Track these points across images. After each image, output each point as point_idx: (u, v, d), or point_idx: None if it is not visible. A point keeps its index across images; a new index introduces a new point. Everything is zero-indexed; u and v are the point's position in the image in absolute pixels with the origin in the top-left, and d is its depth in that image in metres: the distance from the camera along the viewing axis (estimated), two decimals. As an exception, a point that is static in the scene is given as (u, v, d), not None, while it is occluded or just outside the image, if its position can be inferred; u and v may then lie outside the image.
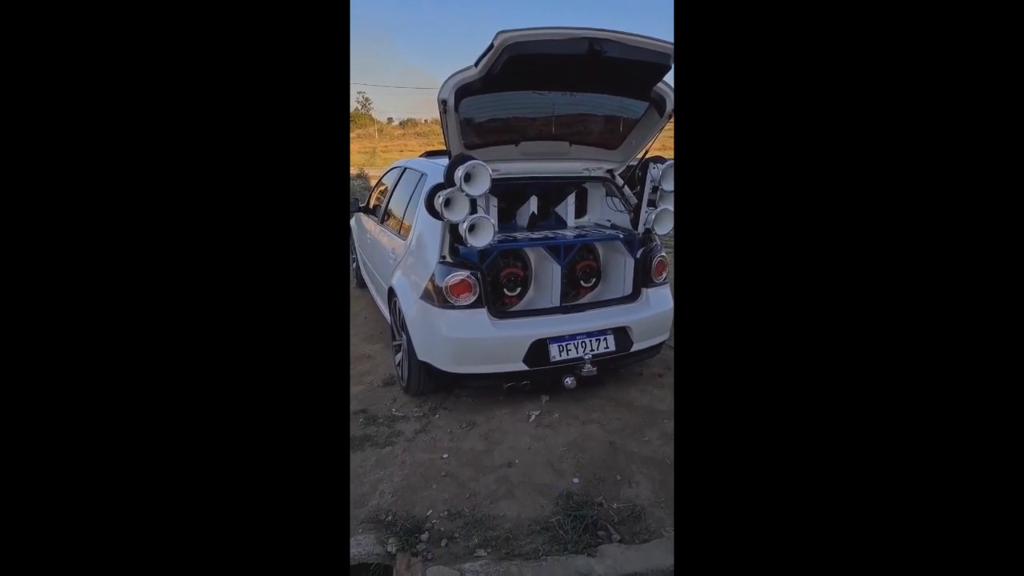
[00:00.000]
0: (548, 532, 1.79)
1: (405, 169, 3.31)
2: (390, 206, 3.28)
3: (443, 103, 2.09)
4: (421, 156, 3.53)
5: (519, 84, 2.21)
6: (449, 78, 2.07)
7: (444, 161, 2.82)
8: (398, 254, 2.79)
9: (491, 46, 1.94)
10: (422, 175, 2.86)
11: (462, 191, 2.13)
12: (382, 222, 3.36)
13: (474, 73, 2.05)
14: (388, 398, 2.75)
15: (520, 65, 2.00)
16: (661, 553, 1.66)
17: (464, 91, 2.10)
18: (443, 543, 1.79)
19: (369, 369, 3.09)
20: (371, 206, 3.90)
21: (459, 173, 2.09)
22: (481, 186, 2.13)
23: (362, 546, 1.78)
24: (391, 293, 2.80)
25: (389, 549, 1.78)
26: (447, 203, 2.17)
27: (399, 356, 2.83)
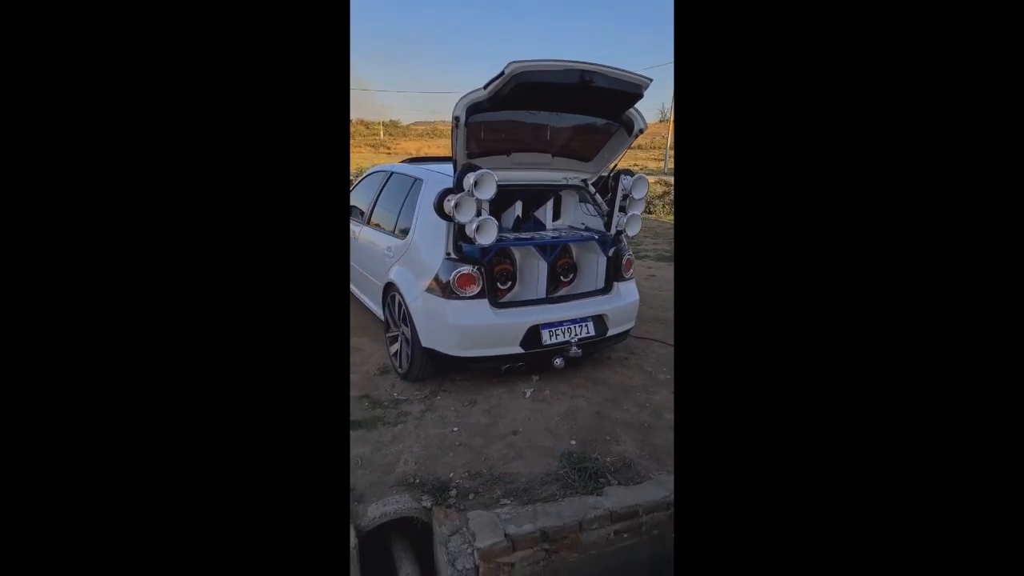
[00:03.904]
0: (559, 482, 2.14)
1: (391, 174, 3.55)
2: (378, 208, 3.50)
3: (456, 119, 2.40)
4: (403, 162, 3.78)
5: (519, 105, 2.55)
6: (462, 98, 2.38)
7: (439, 167, 3.12)
8: (395, 252, 3.03)
9: (502, 73, 2.28)
10: (415, 180, 3.13)
11: (471, 195, 2.44)
12: (368, 223, 3.56)
13: (483, 95, 2.37)
14: (387, 384, 2.98)
15: (523, 90, 2.35)
16: (652, 490, 2.06)
17: (473, 109, 2.42)
18: (470, 496, 2.09)
19: (361, 360, 3.29)
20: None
21: (470, 180, 2.40)
22: (488, 191, 2.45)
23: (401, 503, 2.04)
24: (388, 288, 3.04)
25: (425, 504, 2.06)
26: (456, 206, 2.47)
27: (395, 346, 3.07)
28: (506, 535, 1.80)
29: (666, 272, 5.76)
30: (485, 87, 2.35)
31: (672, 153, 23.65)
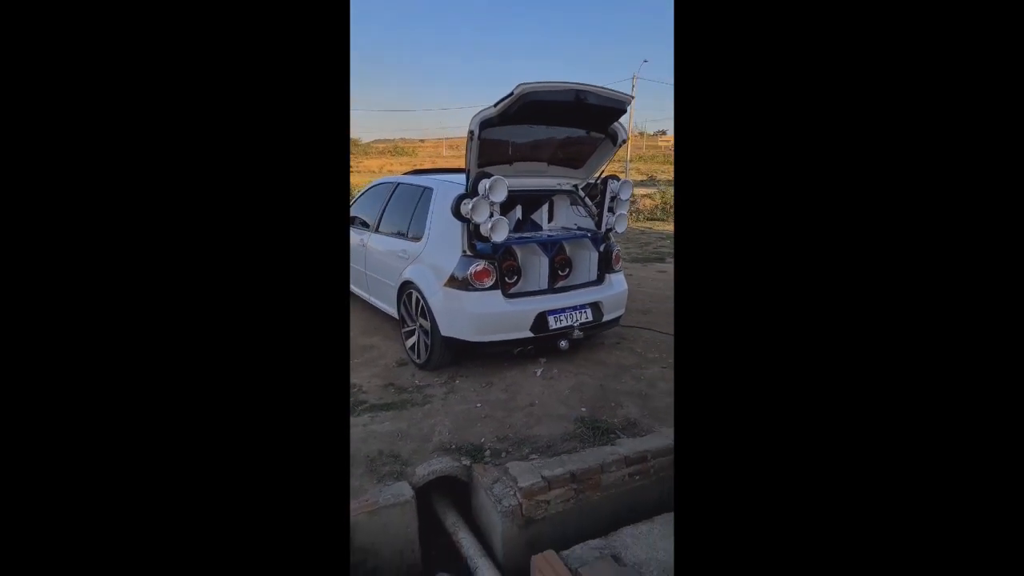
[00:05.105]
0: (577, 439, 2.50)
1: (398, 185, 3.88)
2: (387, 216, 3.81)
3: (471, 133, 2.76)
4: (407, 174, 4.11)
5: (522, 120, 2.94)
6: (476, 115, 2.75)
7: (449, 177, 3.48)
8: (410, 254, 3.35)
9: (511, 93, 2.66)
10: (425, 189, 3.47)
11: (486, 199, 2.80)
12: (376, 231, 3.87)
13: (494, 112, 2.74)
14: (407, 374, 3.28)
15: (527, 107, 2.74)
16: (657, 439, 2.45)
17: (485, 124, 2.79)
18: (502, 455, 2.42)
19: (377, 356, 3.57)
20: (351, 218, 4.37)
21: (485, 185, 2.77)
22: (500, 195, 2.82)
23: (444, 463, 2.35)
24: (405, 286, 3.35)
25: (464, 463, 2.37)
26: (472, 208, 2.83)
27: (412, 340, 3.37)
28: (542, 476, 2.14)
29: (640, 271, 6.24)
30: (495, 105, 2.73)
31: (632, 166, 24.66)
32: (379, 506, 2.07)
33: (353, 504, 2.06)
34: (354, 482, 2.21)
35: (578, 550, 1.82)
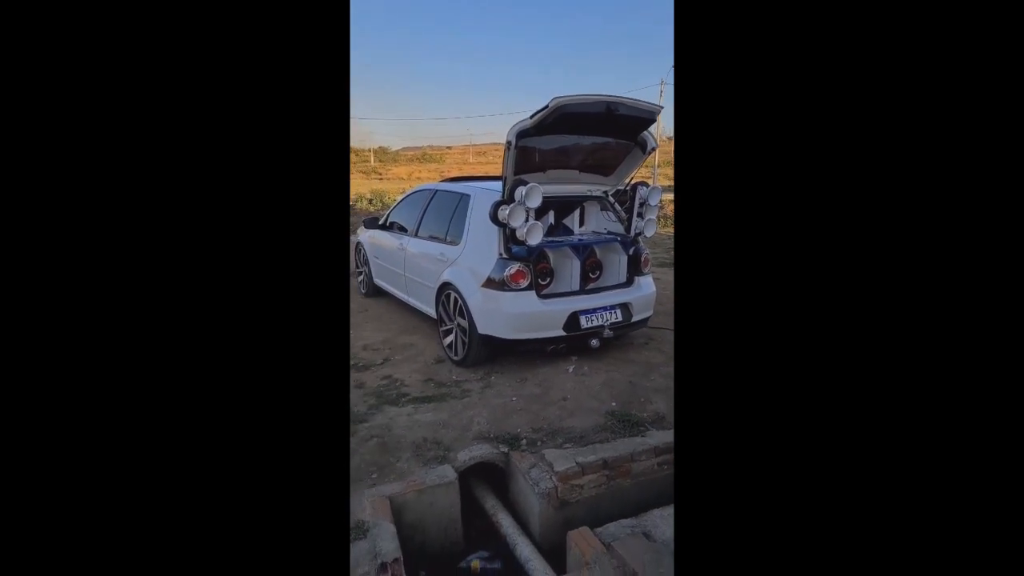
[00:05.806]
0: (608, 430, 2.65)
1: (436, 192, 4.10)
2: (426, 222, 4.04)
3: (509, 143, 2.96)
4: (443, 181, 4.33)
5: (557, 131, 3.12)
6: (514, 125, 2.94)
7: (485, 184, 3.68)
8: (449, 257, 3.56)
9: (547, 106, 2.85)
10: (463, 195, 3.68)
11: (522, 205, 2.99)
12: (415, 235, 4.10)
13: (530, 123, 2.93)
14: (444, 370, 3.48)
15: (562, 119, 2.92)
16: (685, 432, 2.58)
17: (522, 134, 2.98)
18: (538, 444, 2.58)
19: (416, 353, 3.78)
20: (389, 223, 4.62)
21: (522, 192, 2.95)
22: (536, 201, 3.00)
23: (483, 450, 2.53)
24: (444, 288, 3.55)
25: (502, 450, 2.55)
26: (510, 214, 3.02)
27: (449, 338, 3.57)
28: (577, 462, 2.30)
29: (667, 275, 6.33)
30: (532, 117, 2.92)
31: (660, 172, 24.61)
32: (426, 486, 2.26)
33: (402, 484, 2.25)
34: (402, 465, 2.41)
35: (611, 527, 1.97)
